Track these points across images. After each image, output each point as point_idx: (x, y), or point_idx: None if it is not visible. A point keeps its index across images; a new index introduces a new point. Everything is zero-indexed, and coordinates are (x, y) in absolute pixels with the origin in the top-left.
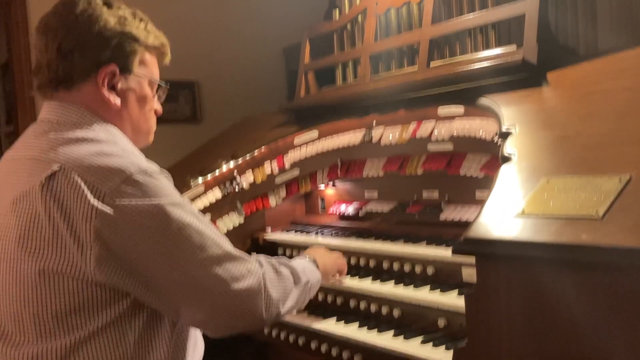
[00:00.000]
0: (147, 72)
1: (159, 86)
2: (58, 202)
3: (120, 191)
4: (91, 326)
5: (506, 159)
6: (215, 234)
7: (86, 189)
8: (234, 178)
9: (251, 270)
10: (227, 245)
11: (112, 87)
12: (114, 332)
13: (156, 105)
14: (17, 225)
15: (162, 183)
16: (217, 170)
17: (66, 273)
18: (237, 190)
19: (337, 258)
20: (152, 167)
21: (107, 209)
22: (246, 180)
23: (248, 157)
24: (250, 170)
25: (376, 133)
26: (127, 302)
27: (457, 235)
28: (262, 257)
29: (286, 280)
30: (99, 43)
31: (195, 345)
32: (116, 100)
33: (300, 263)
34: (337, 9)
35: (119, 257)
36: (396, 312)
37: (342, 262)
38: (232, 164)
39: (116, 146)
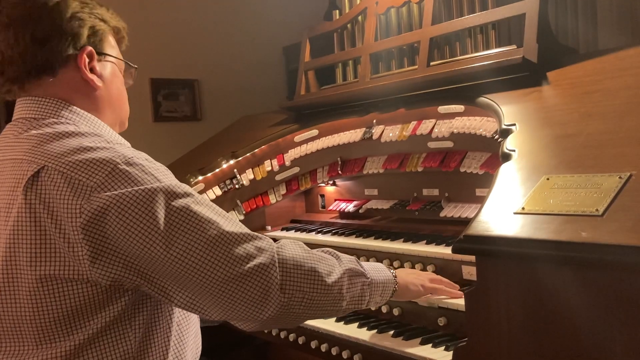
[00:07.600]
0: (116, 53)
1: (127, 68)
2: (44, 203)
3: (107, 183)
4: (91, 328)
5: (506, 157)
6: (216, 214)
7: (71, 186)
8: (234, 176)
9: (262, 248)
10: (230, 225)
11: (91, 70)
12: (115, 332)
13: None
14: (6, 233)
15: (149, 170)
16: (217, 168)
17: (62, 276)
18: (237, 187)
19: (422, 274)
20: (138, 155)
21: (94, 204)
22: (246, 177)
23: (248, 154)
24: (250, 168)
25: (376, 131)
26: (125, 300)
27: (457, 233)
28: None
29: (318, 259)
30: (74, 26)
31: (195, 342)
32: (98, 81)
33: (360, 262)
34: (338, 10)
35: (114, 252)
36: (396, 311)
37: (431, 276)
38: (232, 161)
39: (99, 138)
